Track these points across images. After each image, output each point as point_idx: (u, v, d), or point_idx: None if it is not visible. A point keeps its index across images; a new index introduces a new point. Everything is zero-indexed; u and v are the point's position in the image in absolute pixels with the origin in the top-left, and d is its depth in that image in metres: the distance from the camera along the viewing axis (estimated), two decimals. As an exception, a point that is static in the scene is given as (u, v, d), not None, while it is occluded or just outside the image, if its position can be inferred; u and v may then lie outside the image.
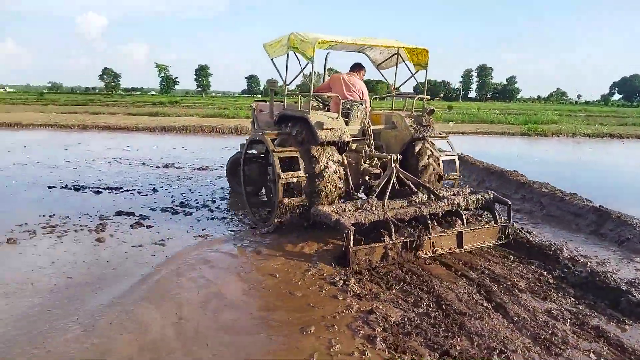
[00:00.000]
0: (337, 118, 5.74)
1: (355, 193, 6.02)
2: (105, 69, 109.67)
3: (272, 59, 6.67)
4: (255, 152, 6.92)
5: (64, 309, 3.61)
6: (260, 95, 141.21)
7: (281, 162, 5.42)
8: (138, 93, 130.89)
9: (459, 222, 5.46)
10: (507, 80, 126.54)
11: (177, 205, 7.04)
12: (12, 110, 32.53)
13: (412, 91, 6.99)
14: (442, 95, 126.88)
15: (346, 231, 4.61)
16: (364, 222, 4.90)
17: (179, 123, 21.69)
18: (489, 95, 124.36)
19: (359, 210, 5.07)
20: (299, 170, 5.45)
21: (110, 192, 7.81)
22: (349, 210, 5.10)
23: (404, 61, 6.75)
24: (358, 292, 4.06)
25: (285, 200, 5.40)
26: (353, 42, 6.32)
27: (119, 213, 6.44)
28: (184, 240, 5.42)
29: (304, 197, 5.50)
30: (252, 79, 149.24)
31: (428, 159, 6.26)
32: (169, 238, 5.44)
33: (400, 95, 7.19)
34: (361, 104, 6.34)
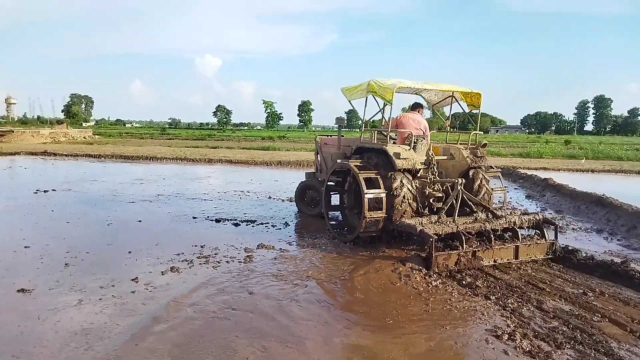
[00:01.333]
0: (409, 150, 6.90)
1: (424, 211, 6.86)
2: (219, 105, 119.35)
3: (349, 101, 7.95)
4: (332, 183, 8.10)
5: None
6: (358, 129, 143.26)
7: (365, 182, 6.53)
8: (245, 128, 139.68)
9: (514, 237, 6.40)
10: (628, 112, 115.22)
11: (312, 238, 7.29)
12: (143, 144, 36.36)
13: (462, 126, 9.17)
14: (553, 128, 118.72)
15: (430, 240, 5.64)
16: (440, 233, 5.91)
17: (292, 157, 22.65)
18: (607, 129, 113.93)
19: (436, 224, 6.12)
20: (379, 188, 6.56)
21: (247, 225, 8.28)
22: (427, 224, 6.12)
23: (457, 102, 7.88)
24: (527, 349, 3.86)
25: (368, 214, 6.42)
26: (422, 87, 7.61)
27: (260, 246, 6.79)
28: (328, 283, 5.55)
29: (383, 212, 6.50)
30: (351, 114, 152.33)
31: (482, 184, 7.26)
32: (308, 277, 5.59)
33: (458, 131, 8.38)
34: (424, 138, 7.44)
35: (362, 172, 6.69)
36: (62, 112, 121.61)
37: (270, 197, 11.44)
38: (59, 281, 5.18)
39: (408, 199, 6.62)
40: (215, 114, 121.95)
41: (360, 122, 7.64)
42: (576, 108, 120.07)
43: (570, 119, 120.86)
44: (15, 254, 6.23)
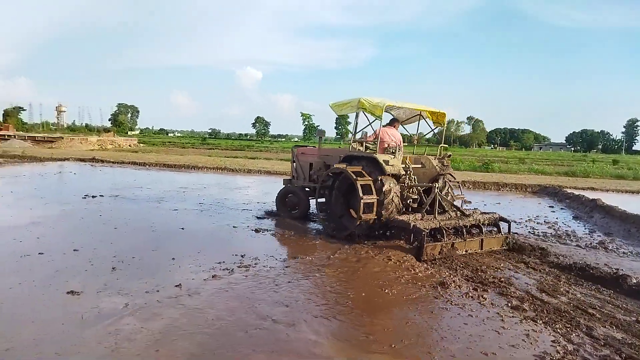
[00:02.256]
0: (394, 158, 8.18)
1: (405, 210, 8.22)
2: (258, 117, 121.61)
3: (339, 115, 9.48)
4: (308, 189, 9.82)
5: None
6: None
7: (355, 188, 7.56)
8: (283, 139, 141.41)
9: (479, 232, 7.81)
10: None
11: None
12: (185, 153, 37.41)
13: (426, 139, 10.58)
14: (599, 146, 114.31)
15: (423, 233, 6.93)
16: (428, 228, 7.14)
17: (328, 170, 22.72)
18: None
19: (422, 221, 7.36)
20: (372, 194, 7.60)
21: (286, 236, 8.35)
22: (416, 220, 7.34)
23: (424, 119, 9.27)
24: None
25: (364, 216, 7.59)
26: (403, 105, 8.91)
27: (295, 256, 6.84)
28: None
29: (374, 214, 7.62)
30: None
31: (449, 188, 8.61)
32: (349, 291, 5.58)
33: (429, 145, 9.97)
34: (400, 149, 8.74)
35: (359, 179, 7.66)
36: (109, 120, 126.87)
37: (308, 209, 11.48)
38: (107, 284, 5.35)
39: (394, 200, 7.85)
40: (254, 125, 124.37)
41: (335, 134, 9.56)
42: (624, 126, 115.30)
43: (618, 138, 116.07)
44: (65, 256, 6.49)
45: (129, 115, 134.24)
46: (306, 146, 10.85)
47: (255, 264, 6.42)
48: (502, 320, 4.80)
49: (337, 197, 8.54)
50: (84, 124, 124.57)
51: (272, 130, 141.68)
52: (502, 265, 6.93)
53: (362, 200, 7.45)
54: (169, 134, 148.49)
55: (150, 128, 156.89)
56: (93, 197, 11.93)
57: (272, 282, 5.69)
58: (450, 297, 5.37)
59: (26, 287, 5.24)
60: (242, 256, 6.77)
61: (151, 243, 7.49)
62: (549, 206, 13.95)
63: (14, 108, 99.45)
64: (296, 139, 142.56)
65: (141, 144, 51.63)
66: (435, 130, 9.51)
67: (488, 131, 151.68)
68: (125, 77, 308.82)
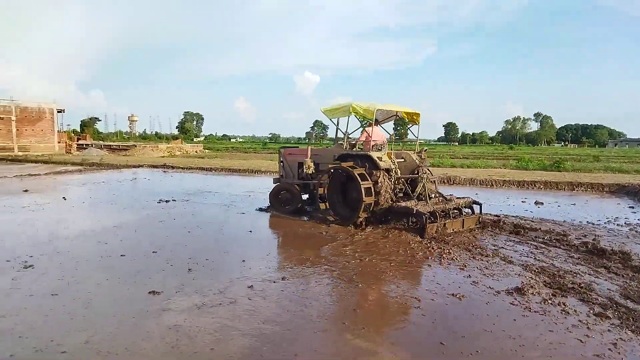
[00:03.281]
0: (384, 155, 9.43)
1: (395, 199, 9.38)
2: (316, 121, 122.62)
3: (330, 119, 10.23)
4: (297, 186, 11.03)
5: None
6: (457, 143, 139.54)
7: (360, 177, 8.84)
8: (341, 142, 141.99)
9: (459, 213, 9.40)
10: None
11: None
12: (247, 157, 38.42)
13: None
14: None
15: (425, 215, 8.27)
16: (426, 211, 8.43)
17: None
18: None
19: (418, 206, 8.70)
20: (368, 180, 8.86)
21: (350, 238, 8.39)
22: (415, 205, 8.69)
23: (400, 119, 10.61)
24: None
25: (366, 199, 8.72)
26: (387, 108, 9.97)
27: (362, 258, 6.84)
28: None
29: (373, 197, 8.84)
30: (450, 126, 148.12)
31: (428, 178, 9.66)
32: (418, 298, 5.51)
33: (404, 141, 11.52)
34: (384, 146, 10.21)
35: (355, 169, 8.98)
36: (176, 128, 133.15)
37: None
38: (183, 284, 5.64)
39: (388, 190, 9.08)
40: (312, 128, 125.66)
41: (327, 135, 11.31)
42: None
43: None
44: (145, 258, 6.91)
45: (194, 122, 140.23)
46: (293, 147, 12.19)
47: (319, 265, 6.51)
48: (588, 327, 4.55)
49: (335, 190, 9.80)
50: (154, 132, 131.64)
51: (330, 134, 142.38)
52: (581, 269, 6.56)
53: (361, 186, 8.69)
54: (232, 140, 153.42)
55: (214, 134, 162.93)
56: (167, 201, 12.59)
57: (337, 283, 5.75)
58: (529, 304, 5.16)
59: (112, 284, 5.66)
60: (308, 259, 6.89)
61: (222, 245, 7.79)
62: (629, 207, 13.01)
63: (90, 119, 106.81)
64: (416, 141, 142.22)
65: (206, 150, 53.72)
66: (412, 128, 10.80)
67: (557, 128, 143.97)
68: (191, 87, 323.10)
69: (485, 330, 4.48)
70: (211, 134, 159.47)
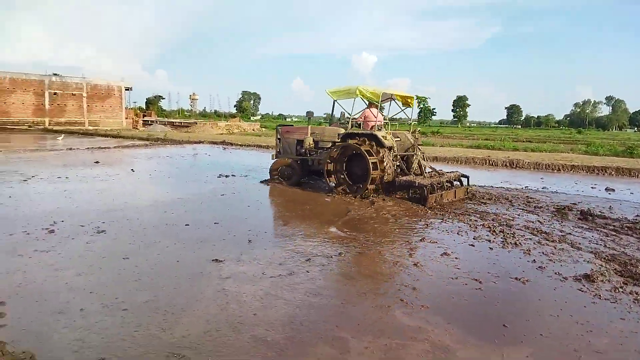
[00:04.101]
0: (387, 134, 10.14)
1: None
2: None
3: (335, 101, 11.13)
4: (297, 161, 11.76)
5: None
6: (519, 126, 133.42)
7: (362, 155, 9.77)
8: (396, 123, 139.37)
9: (450, 186, 10.38)
10: None
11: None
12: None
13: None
14: None
15: (426, 187, 9.19)
16: (425, 184, 9.27)
17: (448, 153, 21.95)
18: None
19: (419, 179, 9.68)
20: (374, 156, 9.70)
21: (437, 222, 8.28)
22: (415, 179, 9.64)
23: (395, 102, 11.53)
24: None
25: (373, 172, 9.60)
26: (391, 92, 11.05)
27: (424, 239, 6.74)
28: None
29: (379, 171, 9.71)
30: (513, 109, 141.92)
31: (421, 155, 11.05)
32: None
33: (402, 122, 12.45)
34: (381, 126, 10.83)
35: (363, 146, 9.77)
36: (234, 107, 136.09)
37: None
38: (242, 254, 5.79)
39: (391, 166, 9.97)
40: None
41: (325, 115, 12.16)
42: None
43: None
44: (207, 228, 7.16)
45: (252, 101, 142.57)
46: (288, 125, 13.04)
47: (367, 240, 6.48)
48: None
49: (340, 165, 10.54)
50: (213, 111, 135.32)
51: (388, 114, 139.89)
52: (657, 259, 6.12)
53: (369, 161, 9.53)
54: (287, 119, 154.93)
55: (270, 113, 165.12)
56: (226, 176, 12.95)
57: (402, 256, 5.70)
58: (598, 291, 4.89)
59: (176, 249, 5.95)
60: (364, 235, 6.87)
61: (280, 219, 7.93)
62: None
63: (154, 97, 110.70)
64: (410, 123, 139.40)
65: (263, 128, 54.63)
66: (406, 110, 11.54)
67: (631, 112, 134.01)
68: (250, 66, 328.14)
69: (551, 315, 4.30)
70: (267, 113, 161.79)
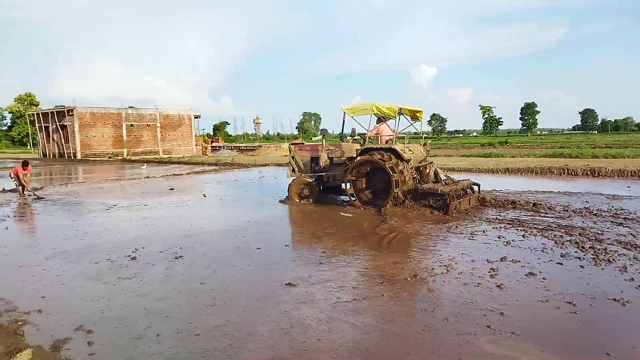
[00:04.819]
0: (405, 147, 10.72)
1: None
2: (433, 114, 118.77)
3: (352, 117, 11.17)
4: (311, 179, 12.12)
5: None
6: (596, 131, 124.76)
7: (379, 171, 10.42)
8: (461, 135, 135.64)
9: (464, 193, 10.64)
10: None
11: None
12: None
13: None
14: None
15: (448, 194, 9.61)
16: (447, 191, 9.69)
17: (519, 164, 20.88)
18: None
19: (439, 186, 10.05)
20: (396, 173, 10.06)
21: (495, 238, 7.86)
22: (438, 187, 10.01)
23: (403, 115, 11.53)
24: None
25: (396, 190, 9.97)
26: (404, 108, 11.30)
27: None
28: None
29: (400, 188, 10.11)
30: (587, 113, 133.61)
31: (433, 167, 11.48)
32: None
33: (417, 136, 12.62)
34: (394, 141, 11.00)
35: (387, 162, 10.11)
36: (296, 128, 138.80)
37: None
38: (311, 276, 5.72)
39: (410, 176, 10.36)
40: (429, 122, 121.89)
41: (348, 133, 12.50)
42: None
43: None
44: (279, 251, 7.20)
45: (312, 122, 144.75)
46: (302, 143, 13.49)
47: (439, 260, 6.17)
48: None
49: (361, 179, 10.92)
50: (276, 133, 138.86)
51: (449, 127, 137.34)
52: None
53: (393, 178, 9.89)
54: (347, 137, 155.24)
55: (331, 133, 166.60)
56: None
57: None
58: None
59: (249, 271, 6.08)
60: (432, 253, 6.58)
61: (354, 239, 7.81)
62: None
63: (221, 123, 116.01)
64: (475, 134, 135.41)
65: (325, 148, 55.09)
66: (415, 124, 12.03)
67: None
68: (310, 86, 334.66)
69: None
70: (330, 132, 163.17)
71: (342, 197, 12.19)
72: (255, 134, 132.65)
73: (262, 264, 6.40)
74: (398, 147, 10.45)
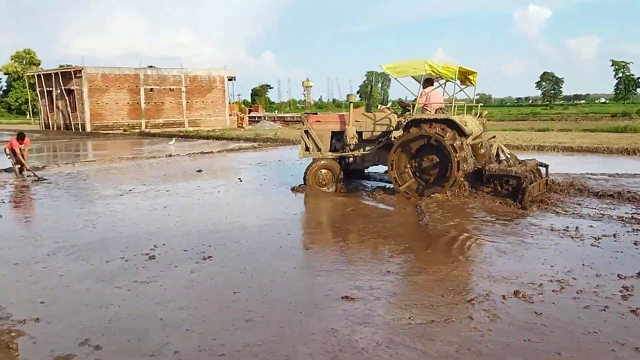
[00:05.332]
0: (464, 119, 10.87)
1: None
2: (545, 73, 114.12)
3: (396, 78, 11.28)
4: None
5: None
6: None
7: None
8: (583, 101, 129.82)
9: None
10: None
11: None
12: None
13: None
14: None
15: (525, 177, 9.78)
16: (522, 174, 9.88)
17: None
18: None
19: (514, 167, 10.30)
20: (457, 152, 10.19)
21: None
22: (512, 168, 10.27)
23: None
24: None
25: (457, 174, 10.15)
26: (464, 69, 11.39)
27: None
28: None
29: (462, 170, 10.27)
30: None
31: (495, 143, 11.48)
32: None
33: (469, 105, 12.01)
34: (444, 110, 11.45)
35: (448, 140, 10.13)
36: (357, 93, 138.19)
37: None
38: (374, 289, 5.71)
39: (470, 157, 10.55)
40: (538, 84, 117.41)
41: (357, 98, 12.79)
42: None
43: None
44: (332, 252, 7.32)
45: (380, 85, 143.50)
46: (316, 114, 13.33)
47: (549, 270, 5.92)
48: None
49: (403, 160, 10.96)
50: (331, 100, 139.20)
51: (566, 90, 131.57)
52: None
53: (455, 158, 10.06)
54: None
55: (404, 99, 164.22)
56: (354, 184, 13.08)
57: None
58: None
59: (293, 278, 6.33)
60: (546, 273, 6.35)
61: (419, 241, 7.81)
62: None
63: (261, 87, 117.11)
64: (603, 100, 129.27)
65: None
66: (464, 89, 12.35)
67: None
68: (377, 38, 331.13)
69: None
70: (400, 99, 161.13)
71: (372, 183, 12.84)
72: (305, 100, 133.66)
73: (310, 268, 6.53)
74: (456, 118, 10.46)
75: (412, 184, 10.90)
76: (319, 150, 12.31)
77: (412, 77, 11.65)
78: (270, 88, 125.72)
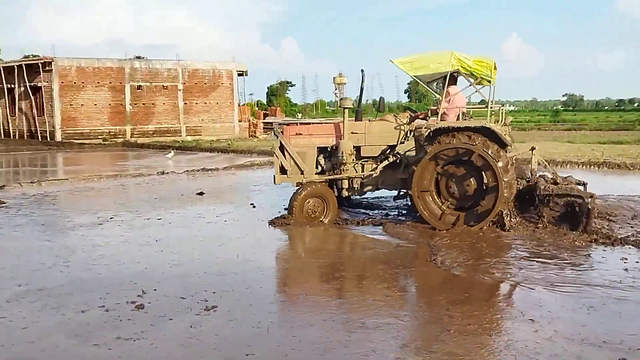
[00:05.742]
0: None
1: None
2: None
3: (413, 76, 11.59)
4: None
5: None
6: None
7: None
8: None
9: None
10: None
11: None
12: (527, 137, 37.26)
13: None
14: None
15: (590, 197, 10.14)
16: (586, 195, 10.34)
17: None
18: None
19: (575, 187, 10.97)
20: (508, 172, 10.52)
21: None
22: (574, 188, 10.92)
23: (463, 75, 11.97)
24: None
25: (505, 193, 10.34)
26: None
27: None
28: None
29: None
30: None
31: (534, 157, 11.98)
32: None
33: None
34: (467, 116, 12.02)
35: (496, 159, 10.20)
36: (405, 92, 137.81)
37: None
38: (426, 349, 5.71)
39: (514, 175, 10.88)
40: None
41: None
42: None
43: None
44: (373, 302, 7.29)
45: (434, 83, 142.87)
46: (298, 124, 13.39)
47: None
48: None
49: (426, 181, 10.91)
50: (370, 102, 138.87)
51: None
52: None
53: (502, 180, 10.14)
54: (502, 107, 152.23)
55: (468, 99, 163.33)
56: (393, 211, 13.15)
57: None
58: None
59: (320, 334, 6.15)
60: None
61: (466, 291, 7.90)
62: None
63: (280, 83, 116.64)
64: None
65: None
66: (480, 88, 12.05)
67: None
68: (433, 21, 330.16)
69: None
70: (409, 105, 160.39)
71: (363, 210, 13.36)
72: (337, 101, 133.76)
73: (341, 323, 6.54)
74: (493, 126, 10.58)
75: (448, 216, 10.84)
76: (302, 172, 12.15)
77: (431, 75, 11.66)
78: (292, 86, 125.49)
